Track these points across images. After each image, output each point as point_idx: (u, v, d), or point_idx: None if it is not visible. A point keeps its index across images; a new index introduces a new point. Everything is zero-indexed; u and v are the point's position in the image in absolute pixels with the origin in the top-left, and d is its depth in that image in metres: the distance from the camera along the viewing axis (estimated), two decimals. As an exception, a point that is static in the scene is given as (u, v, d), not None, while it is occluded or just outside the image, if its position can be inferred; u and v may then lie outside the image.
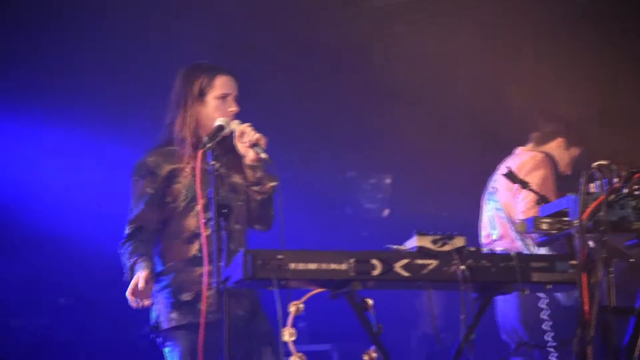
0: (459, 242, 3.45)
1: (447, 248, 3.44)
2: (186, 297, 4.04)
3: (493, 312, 5.09)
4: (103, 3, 6.31)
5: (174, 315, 4.04)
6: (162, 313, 4.07)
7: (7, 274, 6.68)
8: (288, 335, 3.43)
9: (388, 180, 7.97)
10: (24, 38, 6.41)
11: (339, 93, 7.09)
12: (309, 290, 3.54)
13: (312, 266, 3.38)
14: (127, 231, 4.14)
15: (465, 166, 6.75)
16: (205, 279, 3.91)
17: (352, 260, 3.38)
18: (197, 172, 4.02)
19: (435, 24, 6.77)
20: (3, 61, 6.36)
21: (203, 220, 4.01)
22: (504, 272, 3.45)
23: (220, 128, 4.05)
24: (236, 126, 4.08)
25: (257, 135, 4.04)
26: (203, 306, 3.88)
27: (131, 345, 6.84)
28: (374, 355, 3.51)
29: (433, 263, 3.42)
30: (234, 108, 4.17)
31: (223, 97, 4.17)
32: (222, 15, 6.53)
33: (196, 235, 4.06)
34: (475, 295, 3.52)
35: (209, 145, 3.94)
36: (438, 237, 3.45)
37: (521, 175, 4.29)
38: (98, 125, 6.72)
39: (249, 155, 4.08)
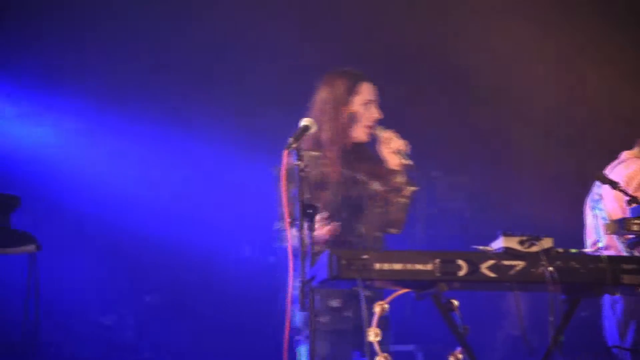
0: (546, 243, 3.40)
1: (534, 249, 3.39)
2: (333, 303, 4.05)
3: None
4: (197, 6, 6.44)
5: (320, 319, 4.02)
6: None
7: (97, 273, 6.82)
8: (373, 335, 3.42)
9: (469, 181, 7.88)
10: (120, 42, 6.57)
11: (421, 92, 7.06)
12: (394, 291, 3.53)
13: (397, 266, 3.36)
14: None
15: (548, 169, 6.66)
16: (290, 278, 3.92)
17: (437, 261, 3.36)
18: (282, 172, 4.04)
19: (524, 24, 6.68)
20: (106, 65, 6.53)
21: (288, 220, 4.03)
22: (593, 273, 3.39)
23: (306, 128, 4.05)
24: (382, 132, 4.10)
25: (402, 142, 4.06)
26: (288, 304, 3.88)
27: (216, 342, 6.93)
28: (460, 356, 3.48)
29: (520, 264, 3.38)
30: (377, 114, 4.19)
31: (367, 103, 4.20)
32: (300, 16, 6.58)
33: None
34: (564, 297, 3.46)
35: (294, 145, 3.96)
36: (525, 238, 3.40)
37: (634, 183, 4.21)
38: (182, 125, 6.84)
39: (393, 161, 4.09)
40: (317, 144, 4.19)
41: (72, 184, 6.69)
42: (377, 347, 3.40)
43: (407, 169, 4.10)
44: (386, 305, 3.49)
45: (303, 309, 3.63)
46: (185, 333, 6.98)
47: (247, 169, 6.96)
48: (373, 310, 3.47)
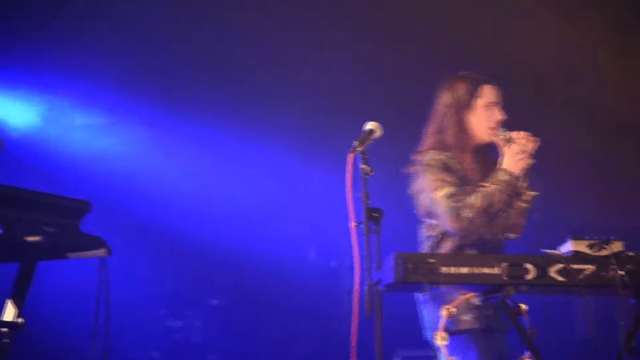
0: (616, 246, 3.36)
1: (604, 253, 3.35)
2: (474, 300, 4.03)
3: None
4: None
5: (467, 317, 3.98)
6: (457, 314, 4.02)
7: (164, 277, 6.90)
8: (440, 339, 3.41)
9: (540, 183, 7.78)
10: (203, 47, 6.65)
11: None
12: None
13: (464, 270, 3.34)
14: None
15: (614, 172, 6.57)
16: (356, 281, 3.92)
17: (505, 264, 3.33)
18: (348, 176, 4.05)
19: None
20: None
21: (353, 224, 4.03)
22: (665, 277, 3.33)
23: (370, 132, 4.06)
24: (505, 134, 4.09)
25: (532, 145, 4.05)
26: (355, 306, 3.88)
27: (281, 346, 6.96)
28: (528, 360, 3.45)
29: (589, 268, 3.33)
30: (500, 116, 4.20)
31: (489, 106, 4.21)
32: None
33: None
34: (634, 301, 3.41)
35: (359, 148, 3.96)
36: (594, 241, 3.36)
37: None
38: (247, 131, 6.89)
39: (516, 165, 4.06)
40: (443, 147, 4.19)
41: (140, 191, 6.79)
42: (444, 351, 3.39)
43: (528, 174, 4.07)
44: (453, 309, 3.47)
45: (369, 312, 3.63)
46: (250, 336, 7.02)
47: (311, 173, 6.99)
48: (439, 314, 3.45)
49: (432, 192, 4.01)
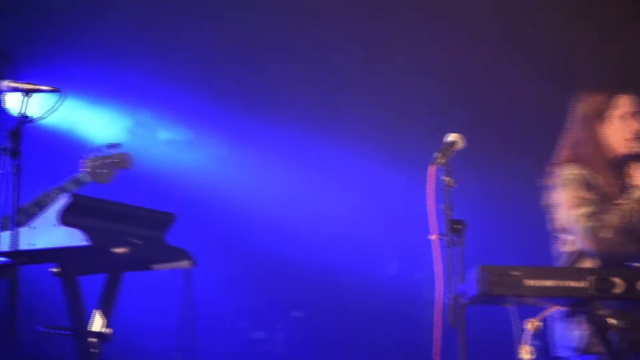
0: None
1: (695, 266, 3.27)
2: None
3: None
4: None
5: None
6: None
7: (246, 289, 6.96)
8: (525, 353, 3.36)
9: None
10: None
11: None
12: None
13: (549, 283, 3.30)
14: None
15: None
16: (438, 294, 3.90)
17: (592, 278, 3.27)
18: (429, 188, 4.03)
19: None
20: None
21: (435, 236, 4.00)
22: None
23: (452, 144, 4.03)
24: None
25: None
26: (437, 319, 3.86)
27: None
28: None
29: (680, 282, 3.25)
30: (637, 126, 4.15)
31: (626, 116, 4.17)
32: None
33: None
34: None
35: (440, 160, 3.94)
36: (685, 254, 3.28)
37: None
38: (326, 142, 6.92)
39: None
40: (579, 160, 4.14)
41: (224, 204, 6.86)
42: (529, 365, 3.34)
43: None
44: (538, 323, 3.42)
45: (452, 325, 3.60)
46: (332, 348, 7.02)
47: (391, 185, 6.97)
48: (525, 327, 3.41)
49: (570, 210, 3.93)
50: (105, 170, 4.48)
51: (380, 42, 6.74)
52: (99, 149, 4.54)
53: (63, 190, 4.32)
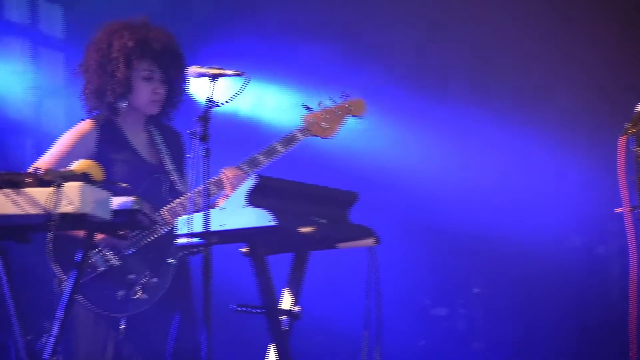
0: None
1: None
2: None
3: None
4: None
5: None
6: None
7: (427, 265, 6.96)
8: None
9: None
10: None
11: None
12: None
13: None
14: None
15: None
16: (632, 268, 3.76)
17: None
18: (620, 159, 3.89)
19: None
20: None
21: (627, 208, 3.86)
22: None
23: (644, 112, 3.87)
24: None
25: None
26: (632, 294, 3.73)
27: (545, 336, 6.81)
28: None
29: None
30: None
31: None
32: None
33: None
34: None
35: (631, 130, 3.80)
36: None
37: None
38: (504, 117, 6.82)
39: None
40: None
41: (405, 181, 6.88)
42: None
43: None
44: None
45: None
46: (514, 324, 6.93)
47: (575, 158, 6.80)
48: None
49: None
50: (329, 123, 4.56)
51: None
52: (321, 102, 4.59)
53: (271, 151, 4.42)
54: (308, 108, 4.58)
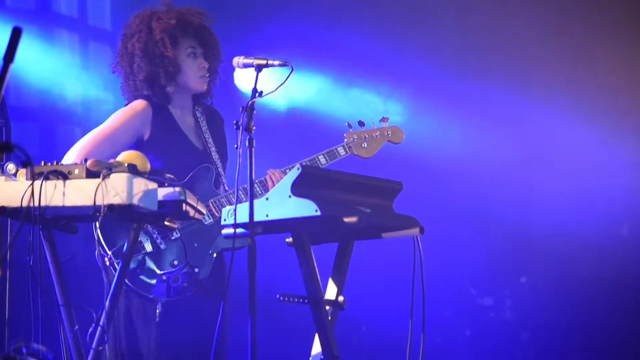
0: None
1: None
2: None
3: None
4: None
5: None
6: None
7: (474, 255, 6.93)
8: None
9: None
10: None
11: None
12: None
13: None
14: None
15: None
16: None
17: None
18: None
19: None
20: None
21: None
22: None
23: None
24: None
25: None
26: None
27: (592, 326, 6.77)
28: None
29: None
30: None
31: None
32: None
33: None
34: None
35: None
36: None
37: None
38: (552, 107, 6.77)
39: None
40: None
41: (452, 169, 6.86)
42: None
43: None
44: None
45: None
46: (560, 314, 6.88)
47: (620, 149, 6.74)
48: None
49: None
50: (368, 145, 4.67)
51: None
52: (363, 122, 4.69)
53: (315, 162, 4.53)
54: (350, 126, 4.70)
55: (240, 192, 4.45)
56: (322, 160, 4.59)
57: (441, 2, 6.96)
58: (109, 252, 4.26)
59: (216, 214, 4.44)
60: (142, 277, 4.32)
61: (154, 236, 4.38)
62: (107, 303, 3.69)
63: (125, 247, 3.76)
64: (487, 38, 6.89)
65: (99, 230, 4.17)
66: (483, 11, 6.88)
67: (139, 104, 4.58)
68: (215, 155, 4.64)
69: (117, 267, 3.80)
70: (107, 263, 4.28)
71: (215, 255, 4.45)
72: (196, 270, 4.40)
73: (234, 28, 6.63)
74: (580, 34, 6.83)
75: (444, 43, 6.94)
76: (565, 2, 6.85)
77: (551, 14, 6.85)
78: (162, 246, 4.39)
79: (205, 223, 4.45)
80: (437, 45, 6.92)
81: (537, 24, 6.81)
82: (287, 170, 4.46)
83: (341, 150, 4.66)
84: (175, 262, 4.38)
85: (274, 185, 4.32)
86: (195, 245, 4.42)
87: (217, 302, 4.33)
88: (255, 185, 4.42)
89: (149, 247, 4.36)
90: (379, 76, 6.91)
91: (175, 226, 3.90)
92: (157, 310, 4.37)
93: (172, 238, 4.41)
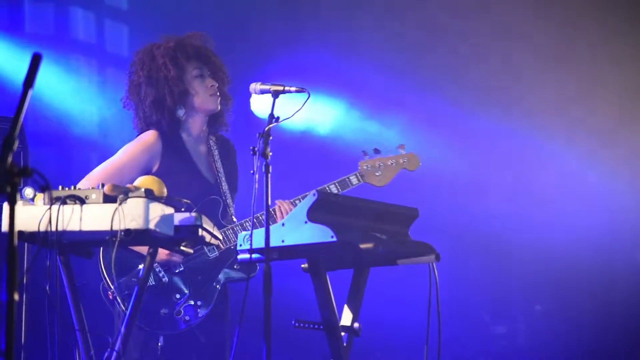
0: None
1: None
2: None
3: None
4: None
5: None
6: None
7: (487, 282, 6.90)
8: None
9: None
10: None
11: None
12: None
13: None
14: None
15: None
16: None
17: None
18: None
19: None
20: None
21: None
22: None
23: None
24: None
25: None
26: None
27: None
28: None
29: None
30: None
31: None
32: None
33: None
34: None
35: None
36: None
37: None
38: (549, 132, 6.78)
39: None
40: None
41: (463, 196, 6.85)
42: None
43: None
44: None
45: None
46: (577, 342, 6.83)
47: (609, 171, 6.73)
48: None
49: None
50: (382, 173, 4.63)
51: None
52: (379, 149, 4.66)
53: (327, 189, 4.51)
54: (365, 154, 4.66)
55: (246, 226, 4.46)
56: (334, 189, 4.56)
57: (460, 33, 6.96)
58: (112, 287, 4.28)
59: (222, 246, 4.45)
60: (145, 310, 4.30)
61: (157, 269, 4.38)
62: (122, 329, 3.69)
63: (131, 277, 3.75)
64: (485, 69, 6.91)
65: (103, 266, 4.20)
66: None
67: (149, 137, 4.60)
68: (224, 186, 4.64)
69: (120, 302, 3.82)
70: (111, 297, 4.30)
71: (219, 287, 4.46)
72: (199, 303, 4.41)
73: (251, 56, 6.67)
74: (567, 56, 6.86)
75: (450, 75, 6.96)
76: (562, 34, 6.87)
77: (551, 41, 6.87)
78: (165, 279, 4.40)
79: (210, 256, 4.46)
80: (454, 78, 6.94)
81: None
82: (297, 202, 4.45)
83: (354, 179, 4.62)
84: (178, 296, 4.39)
85: (282, 216, 4.33)
86: (199, 278, 4.43)
87: (216, 336, 4.35)
88: (261, 216, 4.41)
89: (151, 281, 4.36)
90: (394, 105, 6.93)
91: (191, 251, 3.90)
92: (159, 344, 4.36)
93: (176, 271, 4.41)
